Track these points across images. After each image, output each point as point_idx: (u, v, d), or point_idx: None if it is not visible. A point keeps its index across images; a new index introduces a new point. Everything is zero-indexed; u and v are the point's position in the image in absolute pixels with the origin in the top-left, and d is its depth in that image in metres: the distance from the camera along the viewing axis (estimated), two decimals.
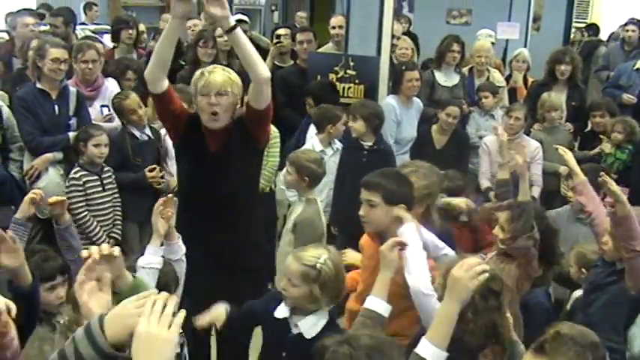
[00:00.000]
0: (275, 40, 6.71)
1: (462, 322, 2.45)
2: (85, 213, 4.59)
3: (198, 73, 3.59)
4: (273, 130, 5.34)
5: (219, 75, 3.55)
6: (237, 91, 3.59)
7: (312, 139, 5.22)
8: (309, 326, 2.83)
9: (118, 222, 4.82)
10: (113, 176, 4.78)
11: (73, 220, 4.56)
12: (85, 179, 4.61)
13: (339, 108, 5.37)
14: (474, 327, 2.45)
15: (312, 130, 5.37)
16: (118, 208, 4.82)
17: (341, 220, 4.90)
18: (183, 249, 3.30)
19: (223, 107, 3.52)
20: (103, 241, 4.59)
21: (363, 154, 5.04)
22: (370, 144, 5.06)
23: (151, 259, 3.11)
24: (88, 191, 4.61)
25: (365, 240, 3.36)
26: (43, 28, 7.24)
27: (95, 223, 4.62)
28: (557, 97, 6.12)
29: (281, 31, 6.71)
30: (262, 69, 3.51)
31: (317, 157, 4.36)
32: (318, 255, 2.82)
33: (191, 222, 3.55)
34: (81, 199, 4.57)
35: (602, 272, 3.48)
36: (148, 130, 5.03)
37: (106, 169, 4.74)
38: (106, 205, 4.72)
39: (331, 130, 5.14)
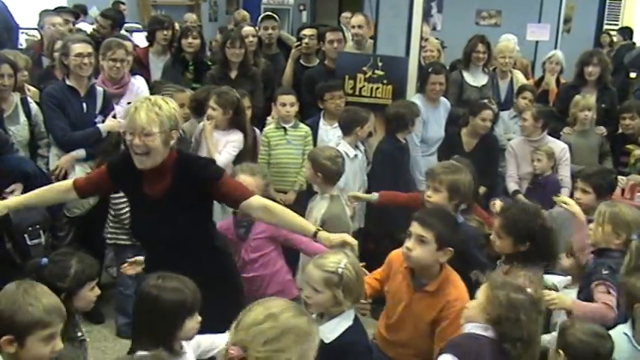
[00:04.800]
0: (296, 42, 6.72)
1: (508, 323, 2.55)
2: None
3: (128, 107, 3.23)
4: (306, 130, 5.42)
5: (144, 112, 3.11)
6: (167, 127, 3.14)
7: (342, 145, 5.18)
8: (329, 331, 2.84)
9: None
10: None
11: (119, 215, 4.59)
12: None
13: (365, 110, 5.38)
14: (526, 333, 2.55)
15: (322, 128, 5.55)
16: None
17: (376, 217, 5.03)
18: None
19: (148, 148, 3.13)
20: None
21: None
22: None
23: None
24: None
25: (396, 266, 3.36)
26: (85, 26, 7.34)
27: None
28: (592, 98, 6.05)
29: (306, 32, 6.71)
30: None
31: (334, 154, 4.38)
32: (339, 260, 2.86)
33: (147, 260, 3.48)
34: None
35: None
36: None
37: None
38: None
39: (359, 132, 5.19)
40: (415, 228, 3.12)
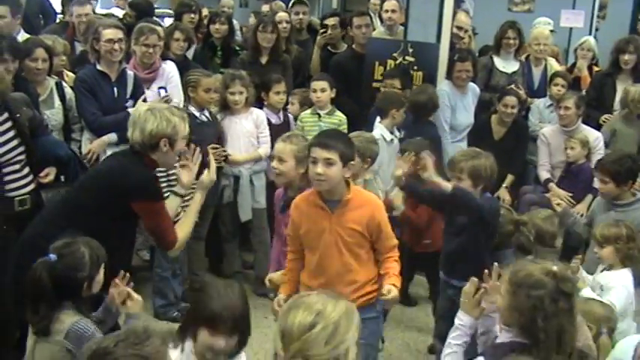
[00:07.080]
0: (321, 30, 6.70)
1: (531, 330, 2.35)
2: (168, 194, 4.55)
3: (179, 119, 3.60)
4: (341, 117, 5.41)
5: None
6: None
7: (378, 128, 5.18)
8: None
9: None
10: None
11: None
12: None
13: (402, 94, 5.37)
14: (545, 336, 2.33)
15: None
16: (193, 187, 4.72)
17: None
18: None
19: None
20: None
21: None
22: None
23: None
24: (170, 171, 4.45)
25: (303, 205, 3.37)
26: (116, 11, 7.38)
27: None
28: None
29: (329, 21, 6.69)
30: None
31: (371, 136, 4.46)
32: None
33: None
34: (164, 178, 4.47)
35: None
36: (207, 112, 5.09)
37: None
38: None
39: (395, 114, 5.17)
40: (319, 153, 3.18)
